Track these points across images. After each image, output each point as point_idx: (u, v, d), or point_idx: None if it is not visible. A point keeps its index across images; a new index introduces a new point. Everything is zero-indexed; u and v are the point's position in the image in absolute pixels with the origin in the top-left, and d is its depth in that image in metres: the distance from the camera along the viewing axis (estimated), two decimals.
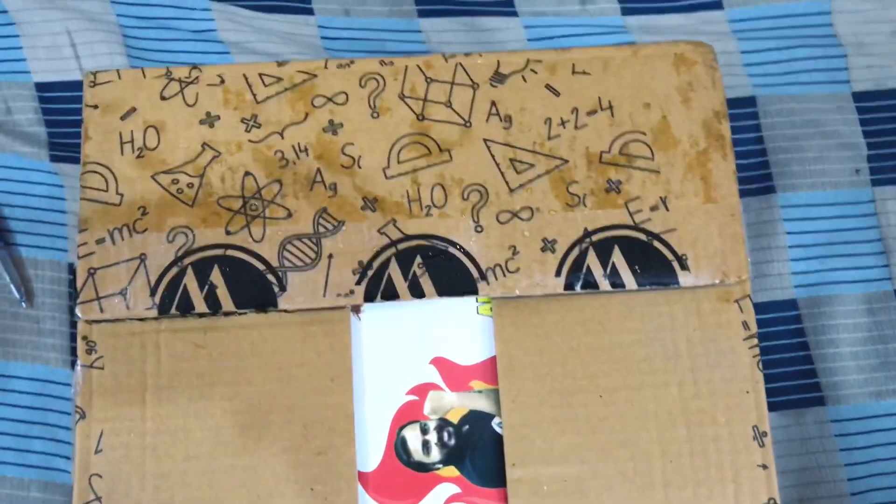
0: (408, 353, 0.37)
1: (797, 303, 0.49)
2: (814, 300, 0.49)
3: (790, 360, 0.49)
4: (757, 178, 0.51)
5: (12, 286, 0.47)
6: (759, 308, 0.48)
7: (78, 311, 0.36)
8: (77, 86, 0.51)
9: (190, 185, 0.37)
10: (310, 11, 0.52)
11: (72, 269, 0.47)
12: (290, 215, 0.37)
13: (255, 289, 0.36)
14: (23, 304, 0.47)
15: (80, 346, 0.36)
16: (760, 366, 0.37)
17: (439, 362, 0.37)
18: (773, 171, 0.51)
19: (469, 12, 0.53)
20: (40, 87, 0.51)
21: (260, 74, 0.39)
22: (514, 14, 0.53)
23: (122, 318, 0.36)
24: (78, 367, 0.36)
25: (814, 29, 0.53)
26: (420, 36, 0.53)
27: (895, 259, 0.49)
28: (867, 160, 0.50)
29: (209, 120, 0.38)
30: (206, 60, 0.51)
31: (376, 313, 0.37)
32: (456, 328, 0.37)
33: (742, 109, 0.52)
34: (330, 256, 0.37)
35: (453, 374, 0.37)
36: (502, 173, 0.38)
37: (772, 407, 0.49)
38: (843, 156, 0.50)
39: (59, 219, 0.49)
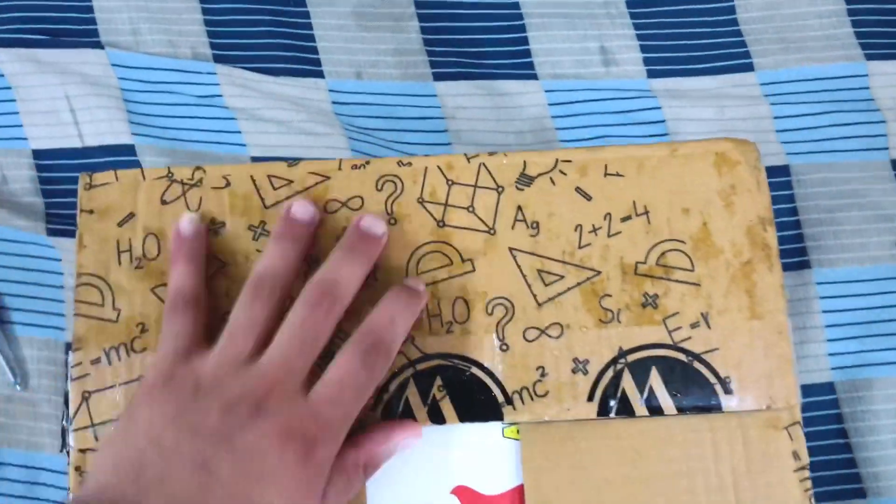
0: (427, 480, 0.34)
1: (835, 386, 0.46)
2: (852, 384, 0.46)
3: (829, 448, 0.46)
4: (791, 253, 0.48)
5: (6, 368, 0.45)
6: None
7: (70, 441, 0.33)
8: (76, 153, 0.48)
9: None
10: (320, 75, 0.50)
11: (69, 348, 0.45)
12: None
13: None
14: (17, 386, 0.45)
15: (73, 477, 0.33)
16: (813, 501, 0.34)
17: (462, 492, 0.34)
18: (808, 245, 0.48)
19: (487, 75, 0.51)
20: (38, 154, 0.49)
21: (269, 176, 0.36)
22: (534, 77, 0.51)
23: None
24: (69, 499, 0.33)
25: (850, 93, 0.50)
26: (435, 101, 0.50)
27: None
28: None
29: (214, 227, 0.36)
30: (211, 127, 0.49)
31: None
32: (479, 453, 0.35)
33: (775, 179, 0.49)
34: None
35: None
36: (529, 286, 0.35)
37: None
38: (882, 228, 0.47)
39: (55, 294, 0.46)
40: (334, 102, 0.50)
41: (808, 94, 0.50)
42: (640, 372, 0.34)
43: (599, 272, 0.35)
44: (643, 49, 0.51)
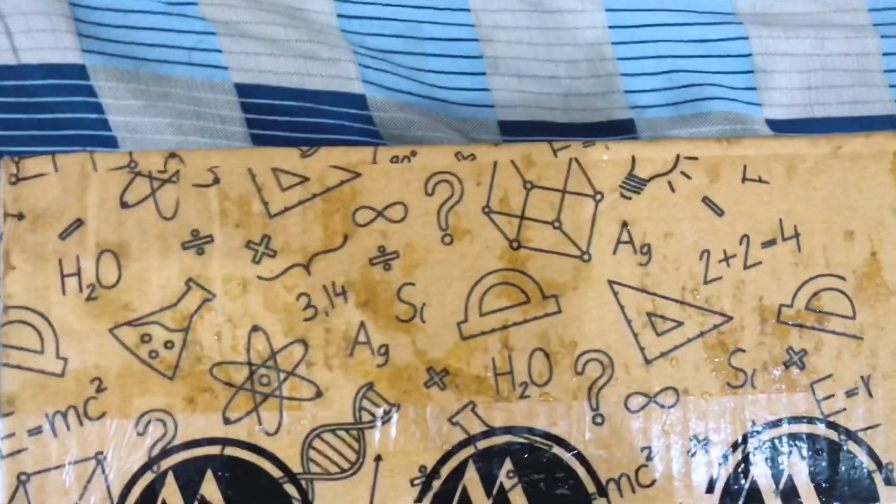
0: None
1: None
2: None
3: None
4: None
5: None
6: None
7: None
8: (8, 72, 0.37)
9: (169, 345, 0.25)
10: None
11: None
12: (319, 394, 0.25)
13: None
14: None
15: None
16: None
17: None
18: None
19: None
20: None
21: (274, 170, 0.25)
22: None
23: None
24: None
25: None
26: (468, 17, 0.39)
27: None
28: None
29: (197, 243, 0.25)
30: (183, 44, 0.37)
31: None
32: None
33: (881, 131, 0.39)
34: (378, 459, 0.25)
35: None
36: (635, 335, 0.26)
37: None
38: None
39: None
40: (340, 15, 0.38)
41: None
42: (776, 455, 0.26)
43: (731, 318, 0.26)
44: None
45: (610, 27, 0.40)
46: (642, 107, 0.40)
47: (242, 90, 0.37)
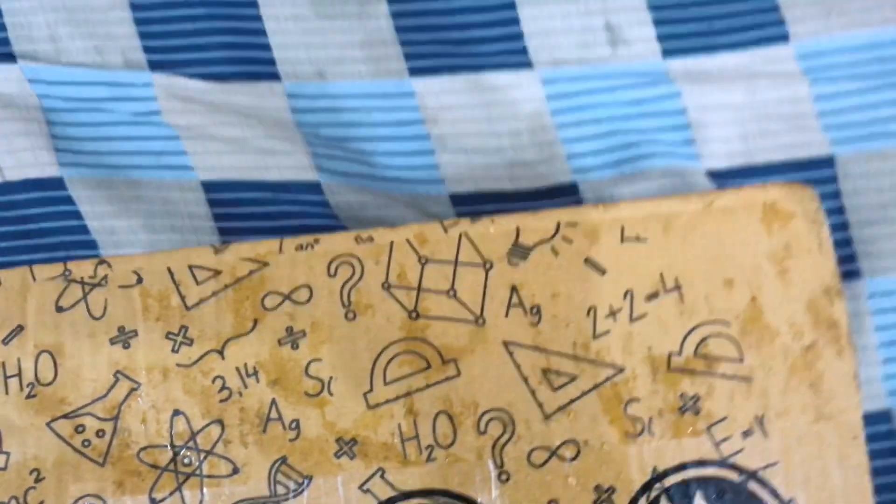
0: None
1: (892, 414, 0.39)
2: None
3: (890, 487, 0.39)
4: (838, 260, 0.40)
5: None
6: None
7: None
8: None
9: (100, 434, 0.27)
10: (275, 77, 0.41)
11: None
12: (236, 471, 0.27)
13: None
14: None
15: None
16: None
17: None
18: (858, 251, 0.40)
19: (472, 67, 0.42)
20: None
21: (190, 267, 0.28)
22: (529, 66, 0.42)
23: None
24: None
25: None
26: (413, 101, 0.42)
27: None
28: None
29: (123, 338, 0.28)
30: (152, 149, 0.40)
31: None
32: None
33: (817, 172, 0.41)
34: None
35: None
36: (533, 391, 0.27)
37: None
38: None
39: None
40: (294, 110, 0.42)
41: (855, 66, 0.42)
42: (682, 499, 0.26)
43: (623, 369, 0.27)
44: (657, 23, 0.42)
45: (548, 98, 0.42)
46: (585, 170, 0.42)
47: (208, 187, 0.40)
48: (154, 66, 0.41)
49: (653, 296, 0.27)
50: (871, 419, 0.39)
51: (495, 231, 0.28)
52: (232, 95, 0.41)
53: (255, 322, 0.28)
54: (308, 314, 0.28)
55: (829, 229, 0.28)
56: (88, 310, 0.28)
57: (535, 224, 0.28)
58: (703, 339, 0.27)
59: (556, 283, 0.28)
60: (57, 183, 0.40)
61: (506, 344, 0.27)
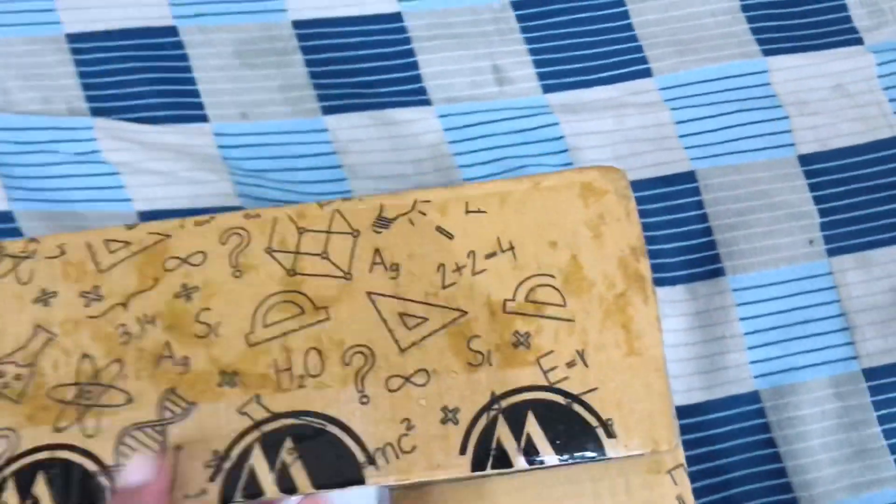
0: None
1: (759, 395, 0.44)
2: (777, 391, 0.44)
3: (757, 461, 0.43)
4: (703, 261, 0.46)
5: None
6: (719, 405, 0.44)
7: None
8: None
9: (18, 378, 0.31)
10: (203, 119, 0.48)
11: None
12: (130, 400, 0.31)
13: (83, 497, 0.29)
14: None
15: None
16: None
17: None
18: (721, 252, 0.46)
19: (378, 105, 0.49)
20: None
21: (105, 241, 0.33)
22: (428, 103, 0.49)
23: None
24: None
25: (751, 90, 0.49)
26: (326, 136, 0.48)
27: (860, 335, 0.44)
28: (820, 228, 0.46)
29: (44, 298, 0.32)
30: (93, 185, 0.46)
31: None
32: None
33: (681, 186, 0.47)
34: (178, 448, 0.30)
35: None
36: (391, 331, 0.32)
37: None
38: (794, 227, 0.46)
39: None
40: (220, 146, 0.48)
41: (708, 95, 0.50)
42: (515, 418, 0.31)
43: (466, 312, 0.32)
44: (536, 64, 0.50)
45: (445, 129, 0.49)
46: None
47: (144, 216, 0.46)
48: (95, 112, 0.47)
49: (491, 255, 0.33)
50: (741, 399, 0.44)
51: (363, 207, 0.34)
52: (165, 135, 0.47)
53: (156, 280, 0.33)
54: (201, 273, 0.33)
55: (636, 202, 0.34)
56: (17, 278, 0.33)
57: (396, 202, 0.34)
58: (533, 289, 0.33)
59: (412, 246, 0.33)
60: (6, 216, 0.45)
61: (369, 294, 0.32)
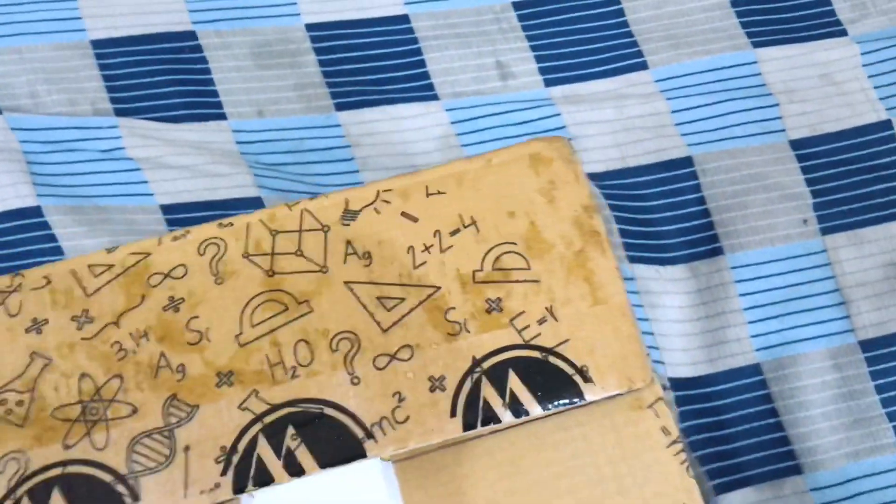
0: None
1: (761, 367, 0.46)
2: (778, 362, 0.46)
3: (760, 430, 0.46)
4: (703, 241, 0.49)
5: None
6: (722, 377, 0.46)
7: None
8: None
9: (20, 403, 0.33)
10: (222, 117, 0.50)
11: None
12: (135, 411, 0.32)
13: None
14: None
15: None
16: (690, 471, 0.32)
17: None
18: (719, 232, 0.49)
19: (387, 100, 0.51)
20: None
21: (89, 266, 0.35)
22: (435, 98, 0.52)
23: None
24: None
25: (742, 80, 0.53)
26: (339, 130, 0.50)
27: (855, 309, 0.47)
28: (813, 209, 0.49)
29: (36, 326, 0.34)
30: (117, 180, 0.48)
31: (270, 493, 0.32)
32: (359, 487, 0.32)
33: (680, 171, 0.50)
34: (186, 448, 0.32)
35: None
36: (371, 314, 0.34)
37: (746, 482, 0.44)
38: (788, 207, 0.49)
39: None
40: (238, 142, 0.50)
41: (702, 85, 0.53)
42: (497, 377, 0.33)
43: (439, 287, 0.34)
44: (538, 59, 0.53)
45: (452, 122, 0.51)
46: None
47: (166, 209, 0.47)
48: (118, 112, 0.49)
49: (455, 231, 0.35)
50: (744, 371, 0.46)
51: (329, 203, 0.36)
52: (185, 133, 0.49)
53: (143, 297, 0.34)
54: (185, 285, 0.34)
55: (583, 167, 0.37)
56: (7, 310, 0.34)
57: (360, 195, 0.36)
58: (498, 257, 0.35)
59: (380, 233, 0.35)
60: (35, 211, 0.46)
61: (346, 283, 0.34)
